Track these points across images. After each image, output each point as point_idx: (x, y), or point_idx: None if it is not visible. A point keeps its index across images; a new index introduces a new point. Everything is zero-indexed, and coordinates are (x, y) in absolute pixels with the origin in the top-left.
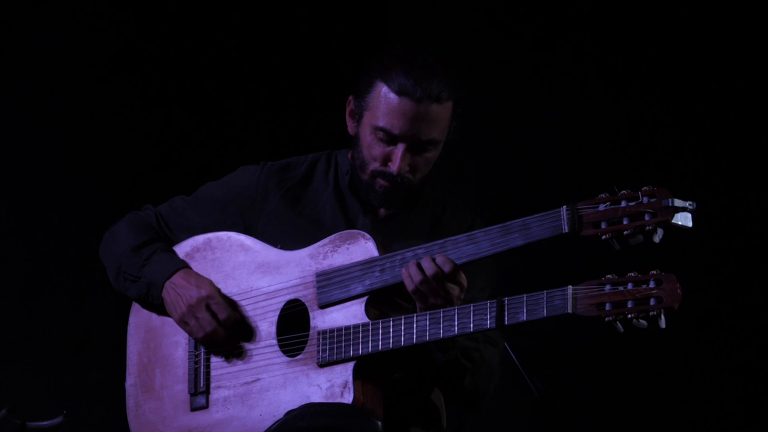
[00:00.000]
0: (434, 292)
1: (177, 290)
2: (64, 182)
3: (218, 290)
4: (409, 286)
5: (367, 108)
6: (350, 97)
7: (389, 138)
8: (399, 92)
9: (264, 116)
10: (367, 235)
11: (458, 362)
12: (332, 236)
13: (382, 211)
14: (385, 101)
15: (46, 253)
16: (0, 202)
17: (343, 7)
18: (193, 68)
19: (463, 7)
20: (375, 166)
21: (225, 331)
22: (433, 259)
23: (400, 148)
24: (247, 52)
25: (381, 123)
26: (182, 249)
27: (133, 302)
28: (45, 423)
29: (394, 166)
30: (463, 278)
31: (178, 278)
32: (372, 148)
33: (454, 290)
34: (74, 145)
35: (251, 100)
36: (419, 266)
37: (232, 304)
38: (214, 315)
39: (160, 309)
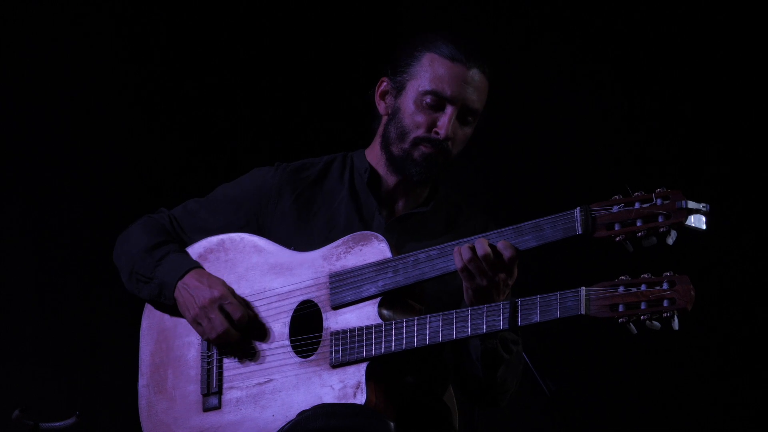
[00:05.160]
0: (482, 272)
1: (189, 290)
2: (79, 185)
3: (232, 290)
4: (458, 264)
5: (412, 78)
6: (383, 79)
7: (438, 102)
8: (450, 58)
9: (277, 118)
10: (381, 236)
11: (496, 352)
12: (345, 237)
13: (398, 208)
14: (435, 67)
15: (58, 255)
16: (14, 204)
17: (355, 8)
18: (206, 70)
19: (474, 6)
20: (418, 133)
21: (238, 332)
22: (487, 242)
23: (449, 111)
24: (260, 55)
25: (431, 87)
26: (195, 250)
27: (146, 303)
28: (58, 424)
29: (442, 130)
30: (515, 266)
31: (190, 278)
32: (416, 116)
33: (500, 276)
34: (88, 148)
35: (265, 102)
36: (472, 247)
37: (245, 305)
38: (227, 315)
39: (172, 310)
